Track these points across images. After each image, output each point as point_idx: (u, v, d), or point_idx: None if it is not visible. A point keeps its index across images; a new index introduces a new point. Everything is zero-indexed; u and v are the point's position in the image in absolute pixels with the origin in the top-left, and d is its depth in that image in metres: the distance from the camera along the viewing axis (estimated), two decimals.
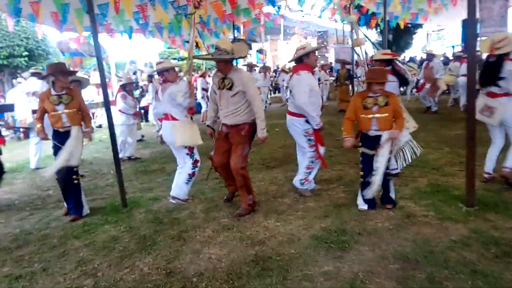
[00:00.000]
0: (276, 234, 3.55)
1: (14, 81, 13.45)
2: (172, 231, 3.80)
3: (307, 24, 23.81)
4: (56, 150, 4.25)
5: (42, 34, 12.04)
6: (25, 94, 7.43)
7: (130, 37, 9.67)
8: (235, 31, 11.75)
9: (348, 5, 6.42)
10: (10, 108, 8.60)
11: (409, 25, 17.28)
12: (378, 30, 18.46)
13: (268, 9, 12.21)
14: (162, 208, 4.53)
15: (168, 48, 24.88)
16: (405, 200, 4.19)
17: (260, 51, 25.62)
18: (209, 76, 14.35)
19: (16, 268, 3.25)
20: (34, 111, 6.49)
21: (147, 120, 13.19)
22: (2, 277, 3.09)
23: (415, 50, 26.35)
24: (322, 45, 20.47)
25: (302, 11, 18.67)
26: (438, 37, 33.34)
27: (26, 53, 14.31)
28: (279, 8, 11.82)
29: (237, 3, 8.29)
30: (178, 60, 25.55)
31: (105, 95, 4.51)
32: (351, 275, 2.78)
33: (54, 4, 6.13)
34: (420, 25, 19.55)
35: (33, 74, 7.73)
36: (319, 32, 23.52)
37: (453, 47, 20.13)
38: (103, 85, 4.54)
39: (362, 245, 3.22)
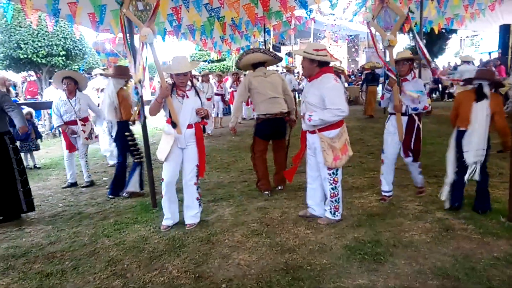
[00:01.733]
0: (306, 242, 3.45)
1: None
2: (201, 234, 3.76)
3: (338, 28, 23.55)
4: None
5: (80, 34, 12.38)
6: (94, 90, 8.12)
7: (163, 39, 9.82)
8: (266, 34, 11.68)
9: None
10: (48, 105, 8.90)
11: (443, 30, 16.79)
12: (411, 35, 18.03)
13: (299, 12, 12.12)
14: None
15: (200, 50, 25.15)
16: (442, 212, 4.00)
17: (289, 54, 25.53)
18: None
19: (47, 265, 3.29)
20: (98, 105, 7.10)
21: None
22: (34, 274, 3.13)
23: (448, 56, 25.63)
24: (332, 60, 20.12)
25: (333, 14, 18.44)
26: (472, 43, 32.36)
27: (63, 52, 14.75)
28: (310, 11, 11.71)
29: (269, 6, 8.25)
30: (208, 63, 25.84)
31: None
32: None
33: (92, 5, 6.27)
34: (454, 31, 19.01)
35: (100, 74, 8.37)
36: (350, 36, 23.22)
37: (489, 53, 19.42)
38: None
39: (398, 258, 3.08)
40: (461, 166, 3.94)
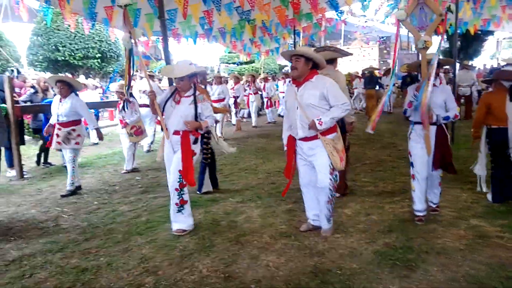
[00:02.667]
0: (336, 246, 3.43)
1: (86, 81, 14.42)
2: (230, 234, 3.81)
3: (370, 30, 23.21)
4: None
5: (115, 37, 12.79)
6: (141, 93, 8.69)
7: (194, 42, 10.00)
8: (295, 36, 11.66)
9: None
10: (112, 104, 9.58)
11: (479, 32, 16.23)
12: (445, 37, 17.53)
13: (330, 14, 12.03)
14: (219, 210, 4.57)
15: (229, 52, 25.37)
16: (477, 218, 3.89)
17: None
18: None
19: (83, 260, 3.41)
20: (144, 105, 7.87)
21: None
22: (70, 269, 3.25)
23: (484, 58, 24.74)
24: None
25: (365, 16, 18.20)
26: (510, 45, 31.12)
27: (99, 55, 15.33)
28: (341, 13, 11.60)
29: (300, 8, 8.24)
30: (238, 65, 26.03)
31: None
32: None
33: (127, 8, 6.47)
34: (491, 32, 18.33)
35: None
36: (382, 37, 22.83)
37: None
38: None
39: (430, 265, 3.01)
40: (499, 161, 4.20)
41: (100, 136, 6.03)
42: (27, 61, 15.41)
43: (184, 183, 3.82)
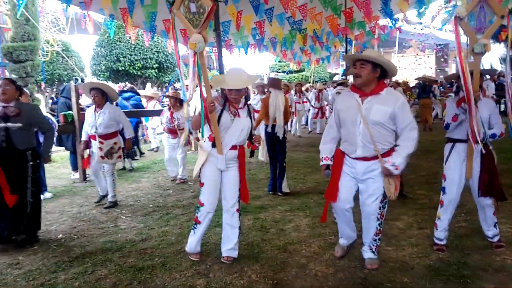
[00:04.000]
0: (386, 259, 3.36)
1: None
2: (278, 242, 3.85)
3: (426, 37, 22.39)
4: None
5: (171, 48, 13.37)
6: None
7: (246, 52, 10.22)
8: (347, 44, 11.52)
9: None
10: (143, 114, 9.87)
11: None
12: (507, 44, 16.48)
13: (383, 21, 11.79)
14: (268, 217, 4.63)
15: (279, 61, 25.58)
16: None
17: None
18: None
19: (140, 260, 3.61)
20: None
21: None
22: (128, 267, 3.45)
23: None
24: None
25: (421, 23, 17.61)
26: None
27: (156, 65, 16.16)
28: (395, 20, 11.31)
29: (353, 16, 8.17)
30: (287, 73, 26.17)
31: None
32: None
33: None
34: None
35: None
36: (439, 45, 21.92)
37: None
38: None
39: (487, 282, 2.88)
40: None
41: (129, 146, 5.65)
42: (91, 70, 16.60)
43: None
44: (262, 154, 7.70)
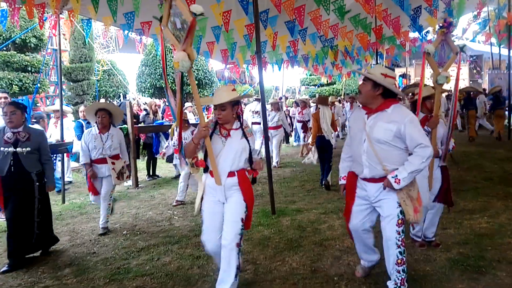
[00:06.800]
0: (412, 252, 3.81)
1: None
2: (314, 238, 4.37)
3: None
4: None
5: (211, 66, 14.24)
6: (250, 112, 10.10)
7: (279, 68, 10.87)
8: (378, 57, 11.89)
9: None
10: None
11: None
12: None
13: (414, 34, 12.07)
14: (304, 218, 5.15)
15: (310, 75, 26.09)
16: None
17: (403, 75, 24.86)
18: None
19: (196, 250, 4.22)
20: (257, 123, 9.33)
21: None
22: (187, 256, 4.09)
23: None
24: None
25: (453, 35, 17.70)
26: None
27: (196, 82, 17.15)
28: (426, 34, 11.60)
29: (383, 33, 8.64)
30: (318, 87, 26.59)
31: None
32: None
33: (226, 43, 7.51)
34: None
35: (256, 99, 10.39)
36: (472, 56, 21.75)
37: None
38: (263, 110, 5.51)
39: (501, 271, 3.28)
40: None
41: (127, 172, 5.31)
42: (136, 88, 17.84)
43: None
44: (313, 156, 8.33)
